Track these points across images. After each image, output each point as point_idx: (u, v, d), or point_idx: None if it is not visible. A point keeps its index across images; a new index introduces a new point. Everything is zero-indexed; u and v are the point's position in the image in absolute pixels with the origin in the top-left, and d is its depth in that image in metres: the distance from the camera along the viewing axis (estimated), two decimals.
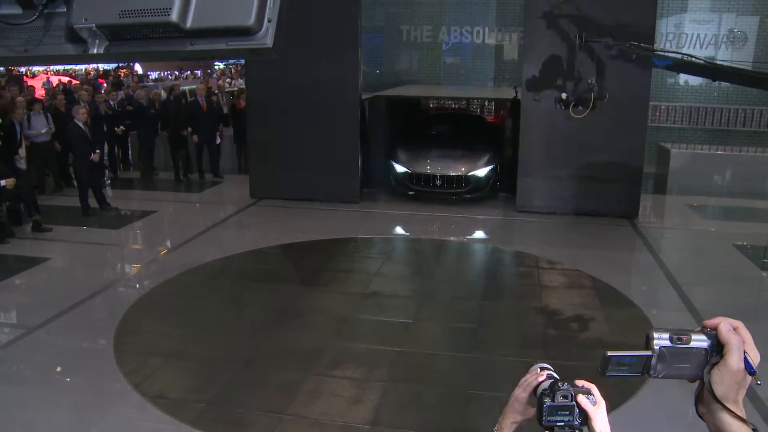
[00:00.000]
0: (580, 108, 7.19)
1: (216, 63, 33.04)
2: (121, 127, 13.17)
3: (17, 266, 8.17)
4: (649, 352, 1.36)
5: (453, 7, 15.20)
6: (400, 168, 11.40)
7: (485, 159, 11.36)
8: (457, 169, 11.13)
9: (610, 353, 1.39)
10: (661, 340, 1.36)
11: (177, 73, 32.02)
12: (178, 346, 6.02)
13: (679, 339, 1.35)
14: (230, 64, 31.70)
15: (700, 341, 1.34)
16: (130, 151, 14.35)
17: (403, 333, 6.29)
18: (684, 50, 14.05)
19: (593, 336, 6.31)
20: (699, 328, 1.37)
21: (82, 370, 5.64)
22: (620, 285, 7.52)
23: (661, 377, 1.38)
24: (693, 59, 7.17)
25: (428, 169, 11.17)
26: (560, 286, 7.71)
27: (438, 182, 11.06)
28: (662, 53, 7.30)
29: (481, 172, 11.22)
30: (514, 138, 11.44)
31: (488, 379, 5.47)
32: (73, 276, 8.21)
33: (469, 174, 11.13)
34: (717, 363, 1.29)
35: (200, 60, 29.09)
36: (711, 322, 1.34)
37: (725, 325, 1.31)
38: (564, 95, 7.42)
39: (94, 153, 10.41)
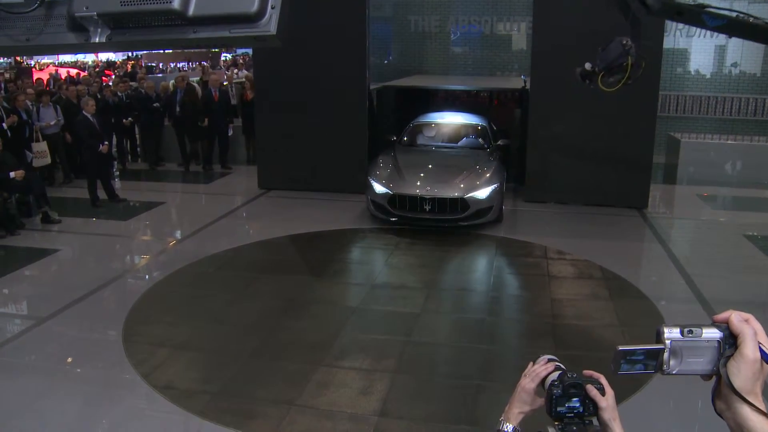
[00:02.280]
0: (611, 80, 5.52)
1: (224, 54, 33.02)
2: (129, 119, 13.21)
3: (27, 258, 8.21)
4: (660, 346, 1.34)
5: None
6: (379, 188, 9.20)
7: (488, 175, 9.25)
8: (452, 190, 8.90)
9: (620, 347, 1.37)
10: (671, 333, 1.34)
11: (187, 64, 32.00)
12: (186, 337, 6.04)
13: (690, 332, 1.32)
14: (238, 55, 31.67)
15: (712, 333, 1.31)
16: (138, 142, 14.39)
17: (411, 324, 6.28)
18: (694, 39, 13.99)
19: (602, 327, 6.28)
20: (710, 323, 1.34)
21: (92, 360, 5.67)
22: (630, 275, 7.49)
23: (675, 373, 1.36)
24: (753, 20, 5.94)
25: (415, 190, 8.93)
26: (569, 277, 7.68)
27: (427, 207, 8.84)
28: (716, 11, 5.80)
29: (483, 192, 8.94)
30: (522, 128, 11.34)
31: (497, 369, 5.47)
32: (83, 267, 8.26)
33: (468, 196, 8.86)
34: (732, 355, 1.27)
35: (205, 50, 29.09)
36: (721, 316, 1.32)
37: (736, 316, 1.29)
38: (588, 65, 5.58)
39: (103, 145, 10.43)
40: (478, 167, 9.45)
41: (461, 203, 8.87)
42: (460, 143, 10.60)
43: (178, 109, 13.29)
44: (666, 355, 1.34)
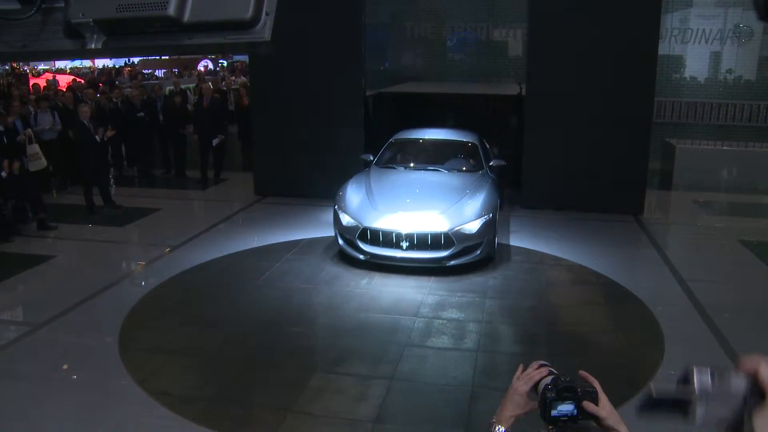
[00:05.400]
0: None
1: (220, 60, 32.98)
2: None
3: (23, 264, 8.18)
4: (690, 396, 1.28)
5: (457, 4, 15.18)
6: (347, 219, 7.94)
7: (479, 205, 7.89)
8: (434, 223, 7.59)
9: (653, 392, 1.32)
10: (701, 381, 1.27)
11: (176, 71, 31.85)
12: (182, 344, 6.03)
13: (720, 378, 1.27)
14: (235, 61, 31.64)
15: (739, 383, 1.26)
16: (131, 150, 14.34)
17: (407, 329, 6.28)
18: (689, 45, 14.06)
19: (598, 333, 6.29)
20: (735, 366, 1.28)
21: (88, 367, 5.66)
22: (625, 281, 7.50)
23: (700, 423, 1.29)
24: None
25: (389, 224, 7.64)
26: (565, 283, 7.69)
27: (404, 243, 7.55)
28: None
29: (472, 225, 7.61)
30: (518, 134, 11.34)
31: (493, 375, 5.46)
32: (79, 273, 8.24)
33: (453, 231, 7.54)
34: (757, 407, 1.21)
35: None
36: (748, 365, 1.25)
37: (766, 369, 1.22)
38: None
39: (107, 130, 10.57)
40: (466, 194, 8.13)
41: (445, 239, 7.56)
42: (446, 164, 9.19)
43: (161, 117, 13.34)
44: (695, 405, 1.28)
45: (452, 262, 7.60)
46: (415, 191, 8.40)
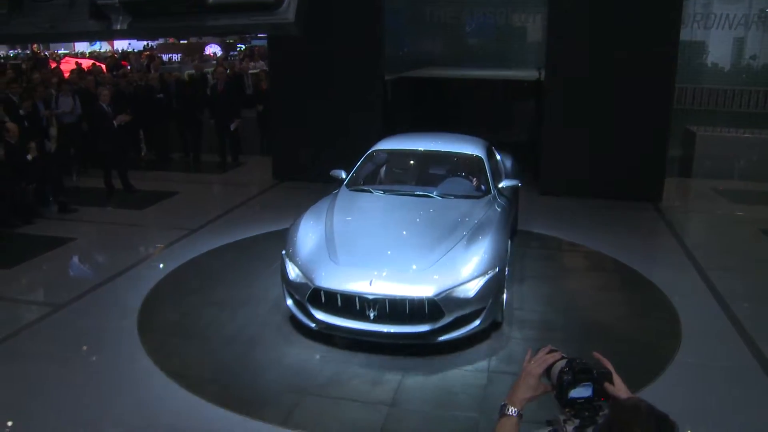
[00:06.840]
0: None
1: (239, 45, 32.99)
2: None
3: (44, 246, 8.29)
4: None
5: None
6: (294, 273, 5.68)
7: (481, 253, 5.59)
8: (415, 285, 5.31)
9: None
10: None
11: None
12: (200, 326, 6.09)
13: None
14: (254, 46, 31.61)
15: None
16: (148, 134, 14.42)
17: None
18: (712, 31, 13.83)
19: (615, 319, 6.27)
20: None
21: (107, 348, 5.74)
22: (643, 269, 7.45)
23: None
24: None
25: (351, 284, 5.37)
26: (582, 269, 7.67)
27: (372, 313, 5.29)
28: None
29: (470, 286, 5.33)
30: (537, 119, 11.26)
31: (509, 360, 5.47)
32: (98, 256, 8.35)
33: (442, 296, 5.24)
34: None
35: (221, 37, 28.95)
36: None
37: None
38: None
39: (122, 115, 10.66)
40: (464, 236, 5.82)
41: (431, 307, 5.27)
42: (440, 187, 6.90)
43: (174, 102, 13.38)
44: None
45: (441, 338, 5.38)
46: (391, 232, 6.04)
